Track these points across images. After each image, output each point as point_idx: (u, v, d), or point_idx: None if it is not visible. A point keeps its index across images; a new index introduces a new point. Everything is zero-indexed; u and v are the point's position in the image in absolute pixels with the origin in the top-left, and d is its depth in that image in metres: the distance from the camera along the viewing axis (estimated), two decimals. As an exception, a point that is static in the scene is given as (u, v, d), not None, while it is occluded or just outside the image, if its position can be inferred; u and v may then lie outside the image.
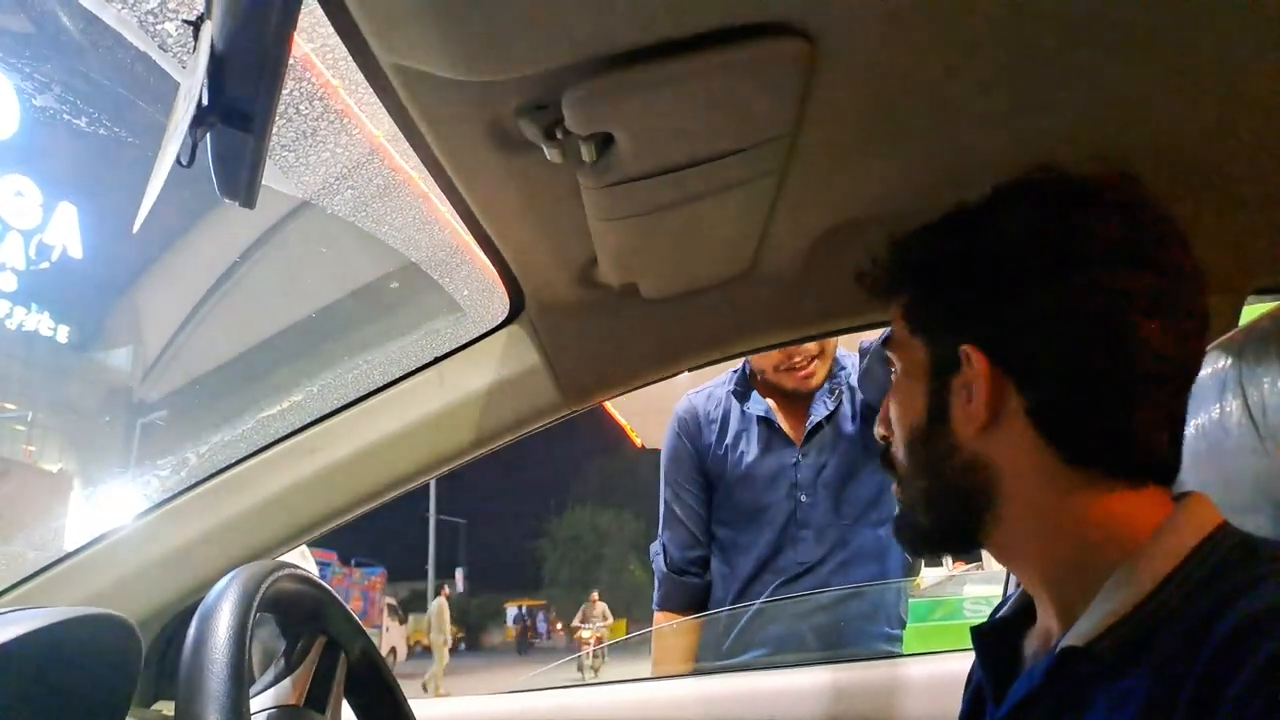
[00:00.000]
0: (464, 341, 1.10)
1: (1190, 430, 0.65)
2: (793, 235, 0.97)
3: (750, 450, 1.91)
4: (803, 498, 1.85)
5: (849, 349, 1.97)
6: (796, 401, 1.91)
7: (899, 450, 0.72)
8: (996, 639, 0.72)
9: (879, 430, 0.75)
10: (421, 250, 1.06)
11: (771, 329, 1.11)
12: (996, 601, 0.81)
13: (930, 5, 0.62)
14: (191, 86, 0.47)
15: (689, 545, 1.95)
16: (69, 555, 1.08)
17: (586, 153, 0.67)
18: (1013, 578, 0.75)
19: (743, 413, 1.94)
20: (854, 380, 1.89)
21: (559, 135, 0.65)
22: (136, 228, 0.54)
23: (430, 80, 0.60)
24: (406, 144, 0.72)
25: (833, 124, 0.75)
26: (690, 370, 1.14)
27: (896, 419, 0.72)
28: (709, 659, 1.88)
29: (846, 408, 1.88)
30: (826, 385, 1.90)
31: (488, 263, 0.94)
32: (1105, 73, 0.74)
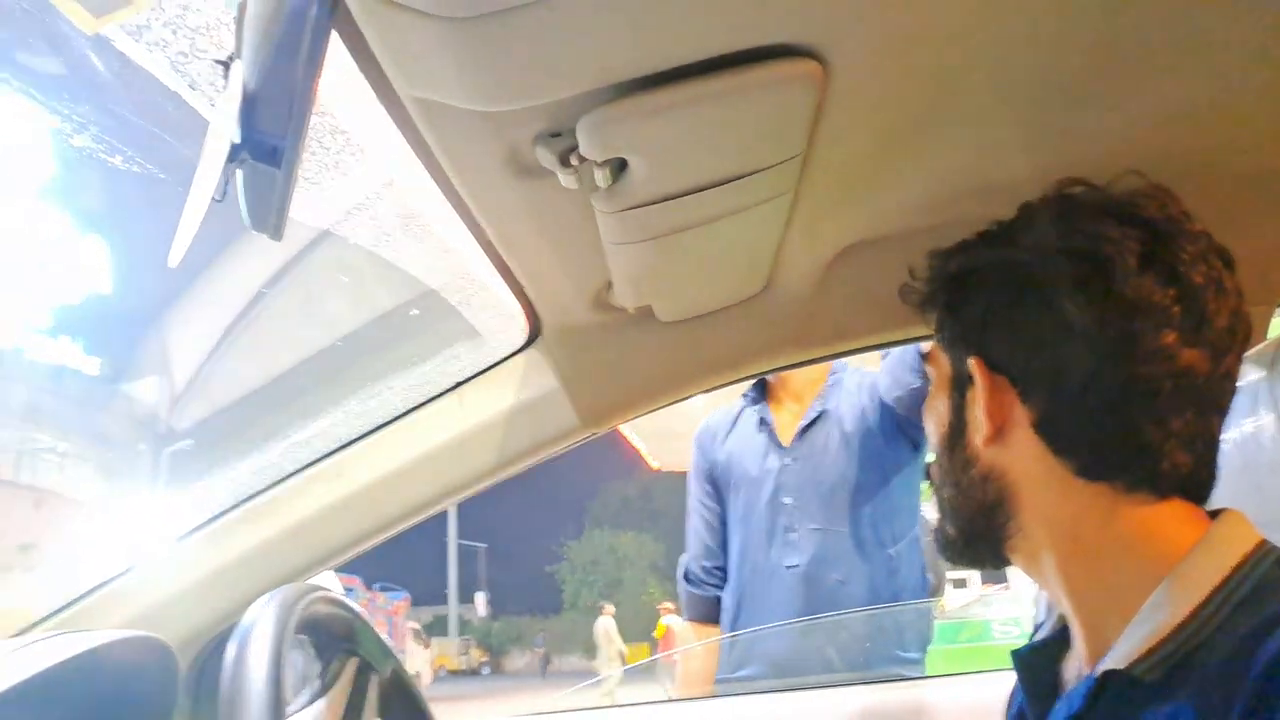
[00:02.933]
0: (483, 367, 1.12)
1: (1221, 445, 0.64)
2: (807, 255, 0.98)
3: (746, 453, 1.93)
4: (786, 500, 1.84)
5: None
6: (795, 404, 1.91)
7: (933, 463, 0.74)
8: (1036, 662, 0.71)
9: (929, 430, 0.77)
10: (440, 277, 1.07)
11: (787, 349, 1.12)
12: (1025, 623, 0.81)
13: (943, 26, 0.63)
14: (222, 124, 0.49)
15: (703, 555, 1.96)
16: (106, 581, 1.10)
17: (601, 178, 0.68)
18: (1042, 599, 0.75)
19: (746, 417, 1.96)
20: (864, 392, 1.88)
21: (574, 162, 0.66)
22: (175, 262, 0.56)
23: (448, 111, 0.61)
24: (426, 174, 0.74)
25: (846, 144, 0.76)
26: (707, 391, 1.15)
27: (929, 431, 0.74)
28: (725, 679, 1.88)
29: (848, 418, 1.87)
30: (826, 390, 1.90)
31: (505, 288, 0.96)
32: (1128, 89, 0.74)
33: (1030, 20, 0.64)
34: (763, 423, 1.92)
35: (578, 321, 1.03)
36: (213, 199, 0.52)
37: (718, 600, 1.94)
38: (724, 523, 1.96)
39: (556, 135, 0.65)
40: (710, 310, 1.05)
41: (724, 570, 1.95)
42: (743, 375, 1.14)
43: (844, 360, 1.92)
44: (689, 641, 1.96)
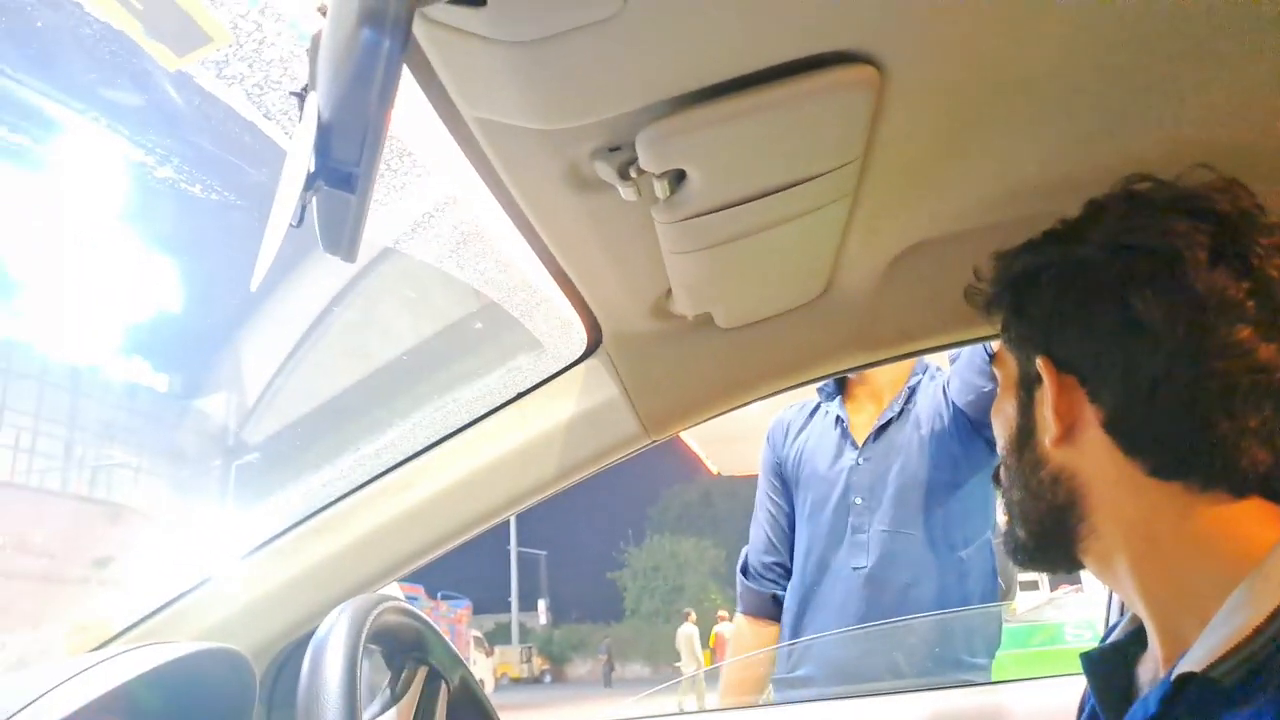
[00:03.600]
0: (545, 377, 1.13)
1: None
2: (867, 259, 0.97)
3: (818, 450, 1.90)
4: (857, 500, 1.81)
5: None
6: (871, 403, 1.88)
7: (1001, 464, 0.73)
8: (1107, 665, 0.70)
9: (995, 429, 0.76)
10: (502, 290, 1.09)
11: (848, 353, 1.11)
12: (1099, 626, 0.79)
13: (998, 24, 0.62)
14: (298, 153, 0.51)
15: (764, 550, 1.94)
16: (183, 594, 1.14)
17: (660, 190, 0.69)
18: (1115, 600, 0.73)
19: (824, 414, 1.93)
20: (941, 392, 1.84)
21: (633, 174, 0.67)
22: (256, 285, 0.58)
23: (509, 130, 0.63)
24: (487, 190, 0.76)
25: (904, 147, 0.76)
26: (768, 397, 1.15)
27: (997, 433, 0.74)
28: (780, 679, 1.86)
29: (924, 418, 1.83)
30: (904, 391, 1.86)
31: (566, 299, 0.97)
32: (1195, 80, 0.73)
33: (1090, 12, 0.63)
34: (838, 420, 1.89)
35: (638, 330, 1.04)
36: (290, 225, 0.53)
37: (774, 597, 1.92)
38: (790, 519, 1.94)
39: (616, 149, 0.66)
40: (770, 315, 1.05)
41: (784, 566, 1.92)
42: (804, 380, 1.14)
43: (926, 361, 1.89)
44: (743, 638, 1.94)
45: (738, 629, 1.97)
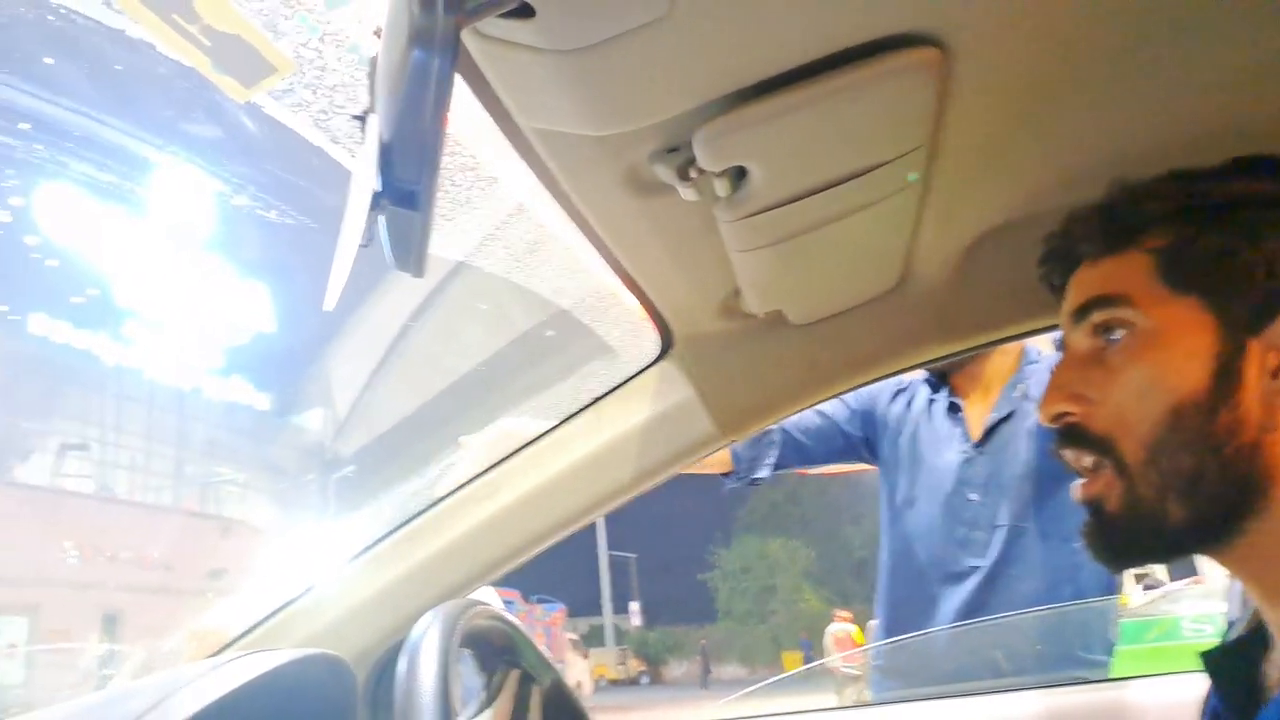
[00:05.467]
0: (619, 381, 1.14)
1: None
2: (942, 245, 0.94)
3: (928, 438, 1.81)
4: (972, 496, 1.74)
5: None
6: (985, 393, 1.81)
7: (1137, 428, 0.62)
8: (1230, 664, 0.64)
9: (1060, 407, 0.66)
10: (572, 298, 1.11)
11: (927, 344, 1.08)
12: (1219, 620, 0.74)
13: (1060, 5, 0.60)
14: (363, 174, 0.52)
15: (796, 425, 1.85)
16: (287, 603, 1.19)
17: (721, 188, 0.69)
18: (1235, 592, 0.67)
19: (931, 401, 1.85)
20: (1045, 374, 1.77)
21: (692, 174, 0.67)
22: (331, 305, 0.60)
23: (567, 138, 0.63)
24: (550, 199, 0.76)
25: (973, 129, 0.73)
26: (845, 392, 1.13)
27: (1137, 391, 0.62)
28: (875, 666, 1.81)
29: (1035, 401, 1.77)
30: (1015, 380, 1.79)
31: (635, 303, 0.97)
32: (1265, 51, 0.68)
33: None
34: (953, 410, 1.81)
35: (709, 330, 1.03)
36: (359, 245, 0.55)
37: (760, 453, 1.82)
38: (840, 434, 1.87)
39: (674, 150, 0.66)
40: (844, 309, 1.03)
41: (772, 444, 1.83)
42: (882, 374, 1.11)
43: (1037, 346, 1.82)
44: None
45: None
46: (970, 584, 1.71)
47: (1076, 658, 1.67)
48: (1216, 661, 0.66)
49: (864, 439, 1.91)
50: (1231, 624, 0.71)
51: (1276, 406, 0.57)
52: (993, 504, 1.73)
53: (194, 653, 1.26)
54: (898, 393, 1.90)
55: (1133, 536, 0.63)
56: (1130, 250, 0.64)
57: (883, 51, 0.59)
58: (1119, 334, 0.64)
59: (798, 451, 1.86)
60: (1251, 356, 0.59)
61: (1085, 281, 0.68)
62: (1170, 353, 0.61)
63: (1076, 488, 0.67)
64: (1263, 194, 0.61)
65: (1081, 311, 0.67)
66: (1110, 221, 0.66)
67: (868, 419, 1.90)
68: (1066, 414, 0.66)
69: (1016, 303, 1.01)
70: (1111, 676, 1.66)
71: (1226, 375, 0.59)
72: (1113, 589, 1.76)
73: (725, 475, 1.84)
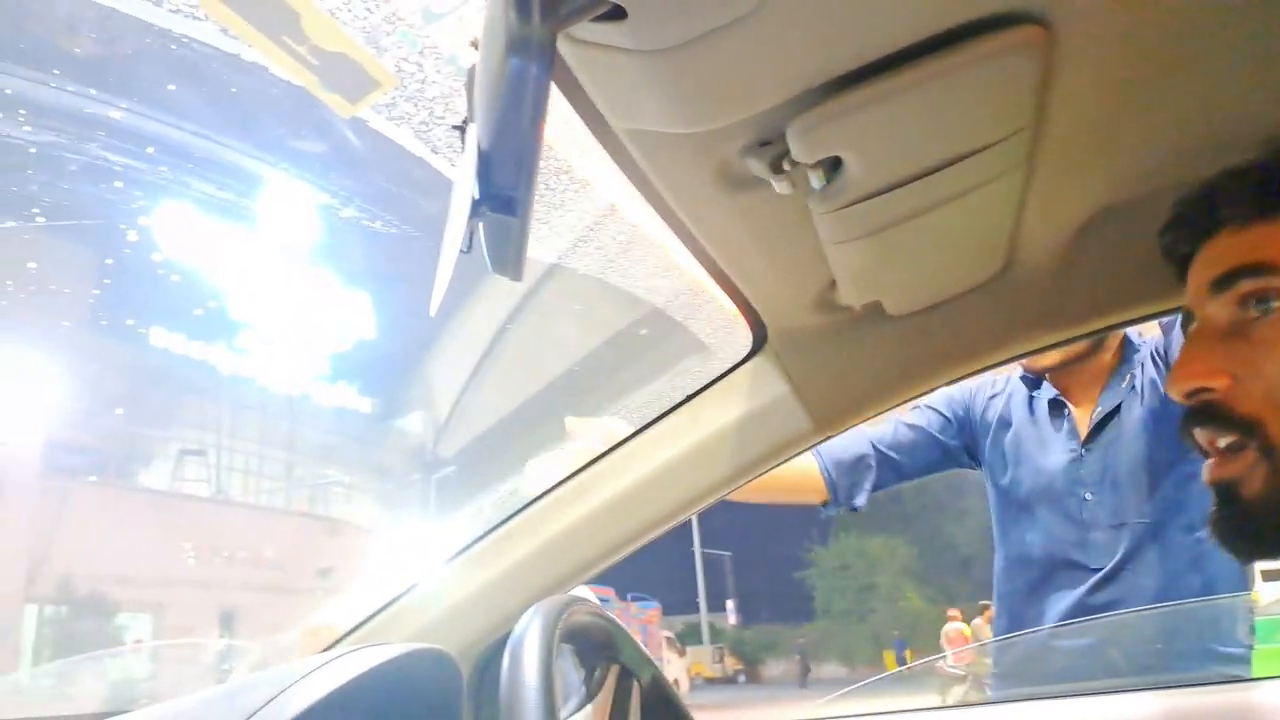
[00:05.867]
0: (713, 377, 1.14)
1: None
2: (1048, 229, 0.91)
3: (1033, 438, 1.75)
4: (1087, 495, 1.67)
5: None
6: (1085, 389, 1.74)
7: None
8: None
9: (1198, 382, 0.62)
10: (665, 296, 1.11)
11: (1034, 332, 1.04)
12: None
13: None
14: (463, 182, 0.54)
15: (890, 444, 1.80)
16: (394, 599, 1.23)
17: (815, 179, 0.68)
18: None
19: (1031, 399, 1.79)
20: (1151, 364, 1.69)
21: (786, 167, 0.66)
22: (434, 311, 0.62)
23: (659, 137, 0.64)
24: (642, 199, 0.77)
25: (1078, 108, 0.70)
26: (948, 384, 1.09)
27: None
28: (1005, 682, 1.75)
29: (1144, 396, 1.67)
30: (1119, 371, 1.72)
31: (728, 300, 0.97)
32: None
33: None
34: (1055, 406, 1.75)
35: (803, 324, 1.02)
36: (461, 251, 0.57)
37: (859, 478, 1.78)
38: (940, 446, 1.82)
39: (766, 144, 0.65)
40: (945, 298, 1.00)
41: (896, 474, 1.79)
42: (988, 364, 1.07)
43: (1138, 335, 1.74)
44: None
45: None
46: (1092, 585, 1.65)
47: (1213, 652, 1.59)
48: None
49: (963, 446, 1.86)
50: None
51: None
52: (1109, 502, 1.66)
53: (307, 648, 1.32)
54: (993, 396, 1.85)
55: (1274, 522, 0.59)
56: None
57: (983, 31, 0.58)
58: (1275, 305, 0.60)
59: (894, 470, 1.82)
60: None
61: (1230, 248, 0.63)
62: None
63: (1208, 469, 0.62)
64: None
65: (1226, 280, 0.62)
66: (1266, 185, 0.62)
67: (965, 425, 1.85)
68: (1204, 390, 0.61)
69: (1126, 287, 0.96)
70: (1250, 676, 1.57)
71: None
72: (1243, 584, 1.66)
73: (823, 505, 1.81)
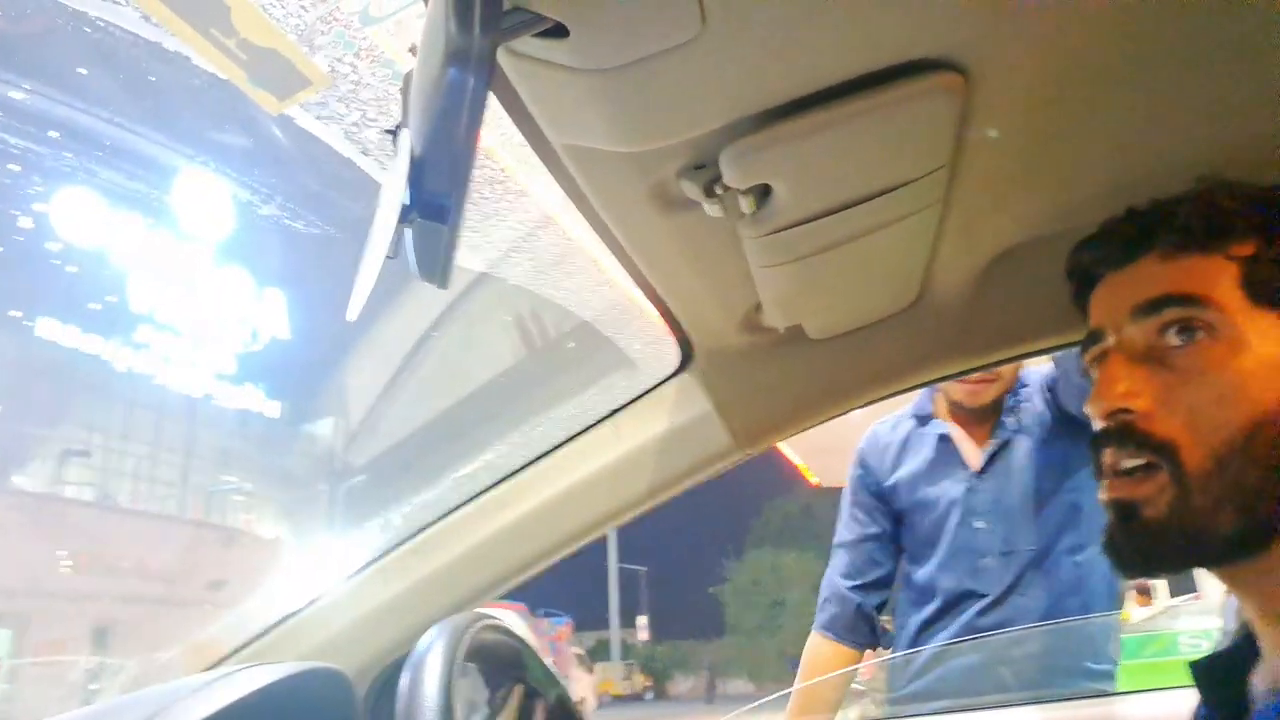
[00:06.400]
0: (637, 393, 1.14)
1: None
2: (961, 264, 0.95)
3: (924, 474, 1.83)
4: (979, 524, 1.75)
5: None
6: (978, 424, 1.82)
7: (1209, 436, 0.60)
8: (1218, 673, 0.65)
9: (1121, 403, 0.64)
10: (594, 310, 1.11)
11: (944, 360, 1.08)
12: (1215, 636, 0.74)
13: (1080, 22, 0.60)
14: (393, 187, 0.53)
15: (852, 573, 1.87)
16: (289, 615, 1.19)
17: (746, 205, 0.69)
18: (1230, 607, 0.67)
19: (921, 436, 1.86)
20: (1037, 397, 1.78)
21: (718, 191, 0.68)
22: (354, 315, 0.60)
23: (596, 154, 0.64)
24: (577, 213, 0.77)
25: (993, 150, 0.74)
26: (862, 407, 1.13)
27: (1215, 397, 0.61)
28: (895, 698, 1.81)
29: (1032, 427, 1.77)
30: (1009, 406, 1.80)
31: (657, 317, 0.98)
32: None
33: (1169, 12, 0.60)
34: (945, 440, 1.83)
35: (729, 344, 1.04)
36: (386, 256, 0.56)
37: (858, 616, 1.85)
38: (892, 542, 1.88)
39: (700, 167, 0.67)
40: (863, 324, 1.03)
41: (872, 587, 1.86)
42: (900, 388, 1.11)
43: (1027, 370, 1.82)
44: (823, 659, 1.86)
45: (816, 650, 1.87)
46: (981, 609, 1.72)
47: (1085, 669, 1.67)
48: (1204, 673, 0.66)
49: (897, 514, 1.90)
50: (1228, 635, 0.71)
51: None
52: (1000, 531, 1.74)
53: (190, 666, 1.26)
54: (885, 448, 1.91)
55: (1172, 543, 0.61)
56: (1215, 253, 0.63)
57: (907, 75, 0.60)
58: (1198, 336, 0.62)
59: (877, 586, 1.88)
60: None
61: (1154, 276, 0.65)
62: (1255, 363, 0.60)
63: (1107, 488, 0.64)
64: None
65: (1153, 306, 0.64)
66: (1201, 218, 0.64)
67: (886, 498, 1.90)
68: (1125, 411, 0.63)
69: (1034, 321, 1.01)
70: (1116, 690, 1.66)
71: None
72: (1116, 604, 1.77)
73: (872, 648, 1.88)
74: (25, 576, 12.72)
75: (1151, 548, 0.62)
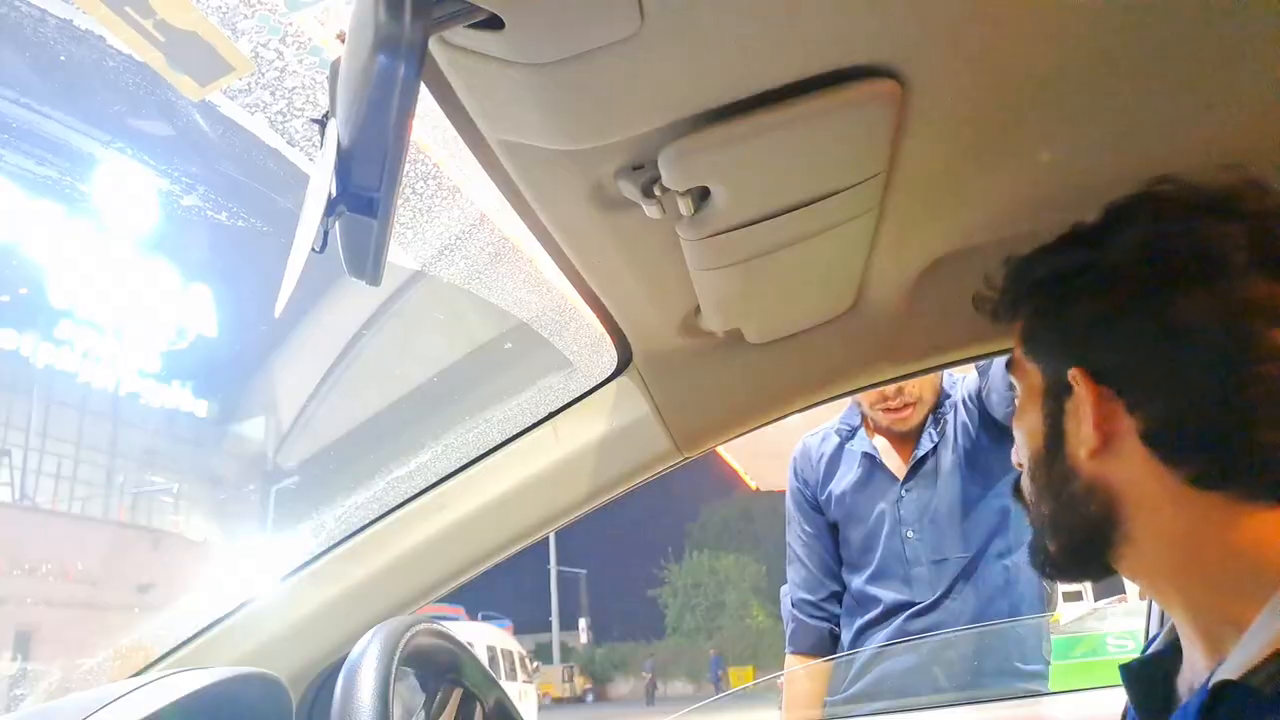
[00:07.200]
0: (576, 396, 1.13)
1: None
2: (896, 271, 0.96)
3: (854, 488, 1.87)
4: (909, 534, 1.79)
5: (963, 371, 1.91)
6: (902, 441, 1.86)
7: (1025, 476, 0.71)
8: (1147, 676, 0.68)
9: (1015, 458, 0.74)
10: (532, 310, 1.10)
11: (879, 366, 1.09)
12: (1140, 636, 0.77)
13: (1016, 34, 0.61)
14: (320, 179, 0.51)
15: (811, 586, 1.91)
16: (221, 619, 1.15)
17: (684, 207, 0.69)
18: (1156, 610, 0.71)
19: (849, 452, 1.90)
20: (964, 408, 1.83)
21: (656, 192, 0.67)
22: (280, 311, 0.58)
23: (533, 151, 0.63)
24: (514, 212, 0.76)
25: (928, 159, 0.75)
26: (800, 411, 1.13)
27: (1020, 444, 0.72)
28: (834, 701, 1.83)
29: (956, 439, 1.82)
30: (932, 418, 1.84)
31: (595, 318, 0.97)
32: (1221, 79, 0.71)
33: (1110, 15, 0.62)
34: (869, 457, 1.87)
35: (668, 347, 1.03)
36: (312, 250, 0.54)
37: (826, 630, 1.89)
38: (834, 550, 1.91)
39: (639, 168, 0.66)
40: (800, 330, 1.04)
41: (838, 598, 1.90)
42: (837, 393, 1.12)
43: (951, 379, 1.87)
44: (799, 679, 1.91)
45: (793, 669, 1.90)
46: (912, 614, 1.76)
47: (1016, 670, 1.72)
48: (1134, 675, 0.69)
49: (832, 525, 1.93)
50: (1152, 639, 0.73)
51: (1092, 456, 0.64)
52: (930, 539, 1.78)
53: (118, 671, 1.21)
54: (817, 460, 1.95)
55: (1040, 562, 0.71)
56: (1013, 318, 0.72)
57: (844, 81, 0.61)
58: (1017, 395, 0.73)
59: (834, 598, 1.90)
60: (1069, 413, 0.66)
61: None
62: (1026, 415, 0.71)
63: None
64: (1075, 264, 0.66)
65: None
66: (994, 301, 0.74)
67: (822, 508, 1.93)
68: (1018, 463, 0.74)
69: (965, 328, 1.03)
70: (1048, 691, 1.70)
71: (1055, 433, 0.67)
72: (1045, 606, 1.82)
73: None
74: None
75: (1036, 564, 0.71)
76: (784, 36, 0.56)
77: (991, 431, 1.77)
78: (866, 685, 1.77)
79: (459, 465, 1.16)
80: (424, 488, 1.16)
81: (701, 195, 0.69)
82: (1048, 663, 1.77)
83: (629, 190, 0.67)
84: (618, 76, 0.55)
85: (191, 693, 0.76)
